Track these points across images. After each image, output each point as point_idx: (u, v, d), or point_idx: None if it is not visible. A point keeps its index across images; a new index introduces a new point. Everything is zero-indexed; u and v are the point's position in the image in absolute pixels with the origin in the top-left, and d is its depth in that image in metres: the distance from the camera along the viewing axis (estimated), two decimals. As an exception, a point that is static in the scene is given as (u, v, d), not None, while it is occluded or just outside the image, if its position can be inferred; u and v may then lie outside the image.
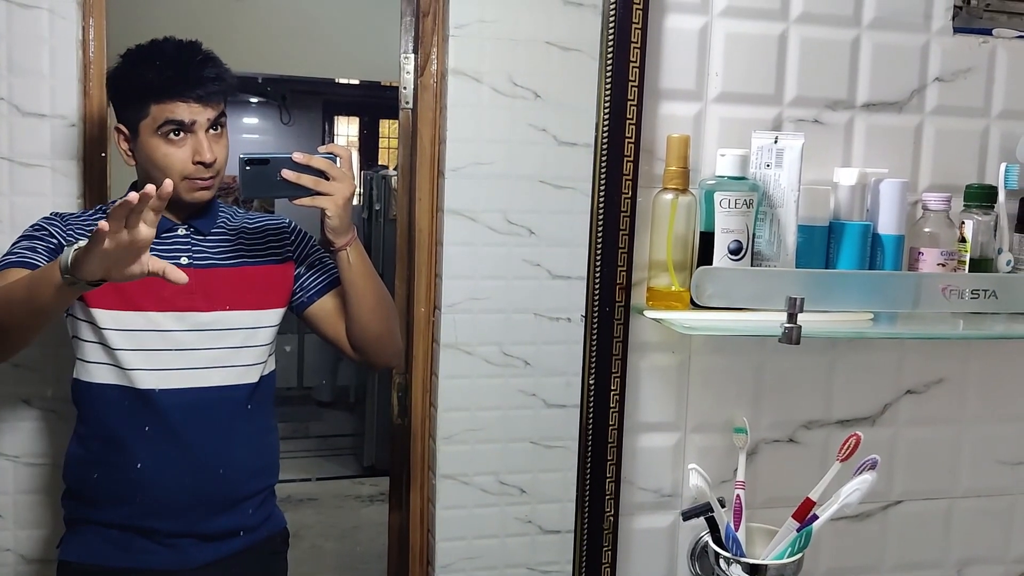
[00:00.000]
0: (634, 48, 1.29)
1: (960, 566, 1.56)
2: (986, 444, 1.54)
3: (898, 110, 1.43)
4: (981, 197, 1.41)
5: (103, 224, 0.95)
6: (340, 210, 1.17)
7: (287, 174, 1.15)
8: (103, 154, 1.28)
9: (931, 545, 1.55)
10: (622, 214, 1.31)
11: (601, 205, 1.31)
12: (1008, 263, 1.42)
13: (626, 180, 1.30)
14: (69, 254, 1.01)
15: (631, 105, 1.29)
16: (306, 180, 1.15)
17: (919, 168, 1.45)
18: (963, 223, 1.40)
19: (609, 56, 1.28)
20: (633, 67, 1.29)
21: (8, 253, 1.17)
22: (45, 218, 1.21)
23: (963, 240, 1.39)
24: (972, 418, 1.52)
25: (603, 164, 1.30)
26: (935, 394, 1.50)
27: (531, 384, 1.35)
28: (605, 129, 1.29)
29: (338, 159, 1.17)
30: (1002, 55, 1.46)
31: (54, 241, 1.18)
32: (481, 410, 1.35)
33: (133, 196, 0.95)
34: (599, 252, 1.31)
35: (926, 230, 1.39)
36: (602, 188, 1.30)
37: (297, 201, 1.16)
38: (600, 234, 1.31)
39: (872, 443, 1.43)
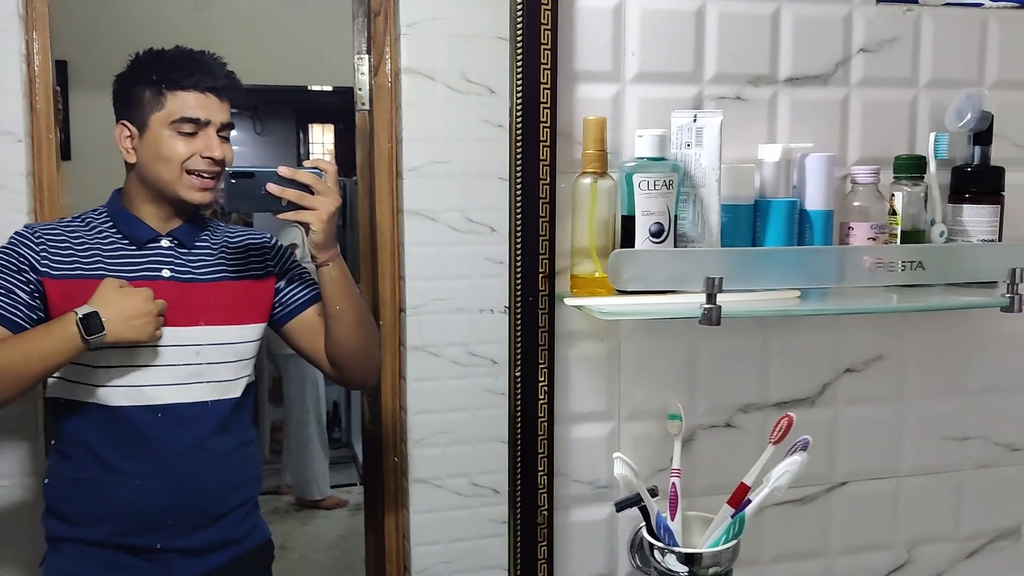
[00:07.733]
0: (544, 30, 1.25)
1: (910, 546, 1.54)
2: (930, 420, 1.51)
3: (823, 83, 1.40)
4: (910, 168, 1.38)
5: None
6: (324, 225, 1.17)
7: (272, 188, 1.16)
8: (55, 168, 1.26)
9: (879, 526, 1.52)
10: (541, 201, 1.28)
11: (519, 192, 1.27)
12: (942, 234, 1.39)
13: (543, 165, 1.27)
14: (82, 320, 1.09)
15: (544, 89, 1.26)
16: (291, 194, 1.16)
17: (847, 142, 1.42)
18: (893, 195, 1.37)
19: (519, 39, 1.25)
20: (544, 49, 1.25)
21: None
22: (13, 239, 1.18)
23: (894, 213, 1.37)
24: (914, 394, 1.49)
25: (519, 150, 1.27)
26: (874, 371, 1.47)
27: (499, 383, 1.33)
28: (519, 114, 1.26)
29: (324, 173, 1.17)
30: (928, 23, 1.43)
31: (22, 277, 1.16)
32: (451, 412, 1.34)
33: None
34: (519, 240, 1.28)
35: (855, 204, 1.36)
36: (518, 174, 1.27)
37: (281, 215, 1.17)
38: (519, 222, 1.28)
39: (812, 424, 1.41)
